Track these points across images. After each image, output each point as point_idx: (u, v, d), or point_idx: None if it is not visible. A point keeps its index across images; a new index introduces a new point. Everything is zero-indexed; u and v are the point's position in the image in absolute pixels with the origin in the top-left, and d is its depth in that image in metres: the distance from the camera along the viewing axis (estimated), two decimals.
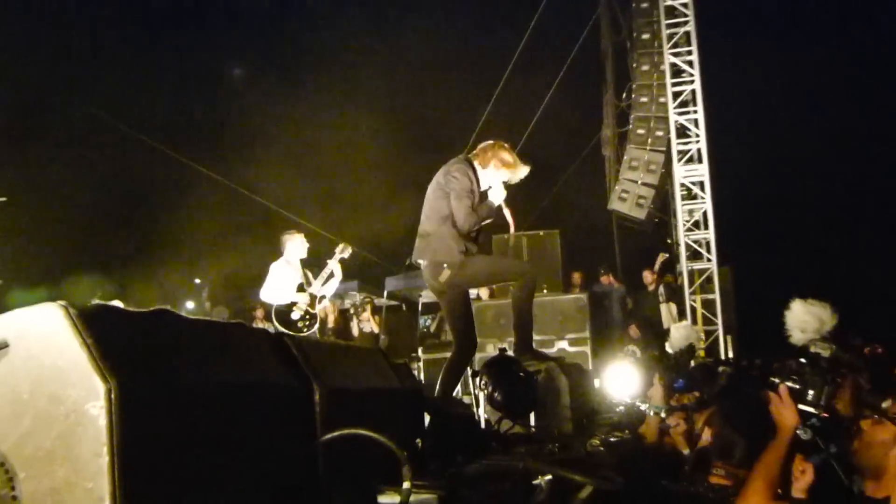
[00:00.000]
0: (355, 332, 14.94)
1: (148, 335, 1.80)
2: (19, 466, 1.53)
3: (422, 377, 11.21)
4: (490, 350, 12.31)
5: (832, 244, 19.70)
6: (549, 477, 2.82)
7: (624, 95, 17.80)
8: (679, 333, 12.94)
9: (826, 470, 3.38)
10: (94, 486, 1.48)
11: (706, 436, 4.56)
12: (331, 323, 14.95)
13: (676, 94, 15.74)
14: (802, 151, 19.75)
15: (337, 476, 2.31)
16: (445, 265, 6.02)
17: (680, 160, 15.61)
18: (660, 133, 16.17)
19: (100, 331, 1.59)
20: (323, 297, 9.64)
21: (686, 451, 5.24)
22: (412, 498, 2.22)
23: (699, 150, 15.53)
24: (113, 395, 1.51)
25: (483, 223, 6.20)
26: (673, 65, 15.80)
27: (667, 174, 16.09)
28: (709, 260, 15.29)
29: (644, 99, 16.57)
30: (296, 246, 9.66)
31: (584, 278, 14.60)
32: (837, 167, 20.26)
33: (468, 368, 6.83)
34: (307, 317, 9.36)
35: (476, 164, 6.16)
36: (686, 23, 15.82)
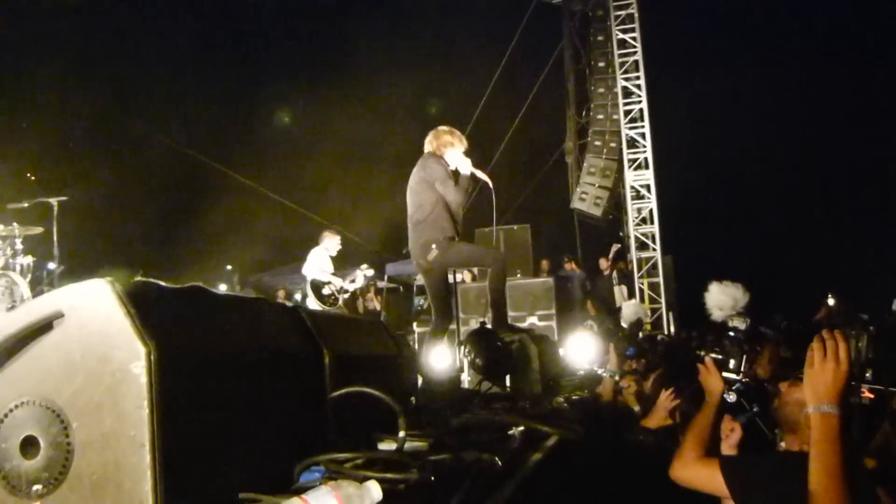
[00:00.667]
0: (361, 309, 14.90)
1: (182, 306, 1.77)
2: (73, 417, 1.50)
3: (416, 346, 11.23)
4: (473, 324, 12.32)
5: (756, 235, 19.87)
6: (521, 428, 2.79)
7: (584, 113, 17.80)
8: (629, 310, 12.99)
9: (752, 427, 3.38)
10: (136, 433, 1.45)
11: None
12: (341, 303, 14.93)
13: (627, 112, 15.80)
14: (733, 159, 19.90)
15: (343, 427, 2.28)
16: (434, 245, 6.00)
17: (630, 167, 15.66)
18: (613, 144, 16.22)
19: (140, 302, 1.56)
20: (346, 290, 10.03)
21: (636, 408, 5.23)
22: (407, 445, 2.19)
23: (646, 159, 15.60)
24: (152, 357, 1.48)
25: (470, 196, 6.18)
26: (624, 87, 15.85)
27: (619, 179, 16.14)
28: (654, 250, 15.36)
29: (600, 116, 16.60)
30: (333, 243, 10.18)
31: (551, 265, 14.60)
32: (759, 174, 20.47)
33: (454, 338, 6.84)
34: (334, 296, 9.77)
35: (435, 155, 6.15)
36: (635, 52, 15.87)
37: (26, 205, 8.06)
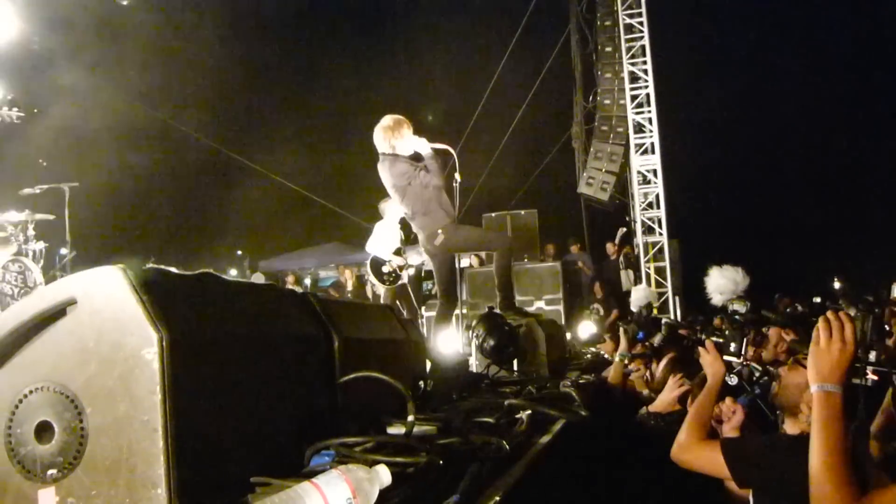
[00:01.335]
0: (370, 294, 14.92)
1: (193, 293, 1.77)
2: (87, 402, 1.51)
3: (425, 331, 11.23)
4: (480, 308, 12.34)
5: (762, 219, 19.79)
6: (528, 412, 2.79)
7: (590, 98, 17.70)
8: (639, 294, 12.98)
9: (753, 409, 3.39)
10: (149, 418, 1.46)
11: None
12: (350, 287, 14.94)
13: (634, 97, 15.71)
14: (739, 143, 19.81)
15: (353, 411, 2.29)
16: (440, 231, 6.02)
17: (637, 152, 15.59)
18: (620, 129, 16.14)
19: (152, 289, 1.56)
20: (411, 265, 9.73)
21: (644, 392, 5.23)
22: (416, 429, 2.20)
23: (653, 144, 15.53)
24: (164, 343, 1.48)
25: (438, 165, 6.15)
26: (631, 72, 15.75)
27: (626, 163, 16.07)
28: (660, 234, 15.31)
29: (607, 101, 16.51)
30: (393, 211, 9.60)
31: (558, 250, 14.60)
32: (765, 158, 20.38)
33: (462, 323, 6.84)
34: (393, 274, 9.51)
35: (391, 154, 6.13)
36: (641, 37, 15.76)
37: (38, 191, 8.08)
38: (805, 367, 2.87)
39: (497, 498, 1.64)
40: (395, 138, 6.08)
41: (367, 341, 2.63)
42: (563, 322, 11.43)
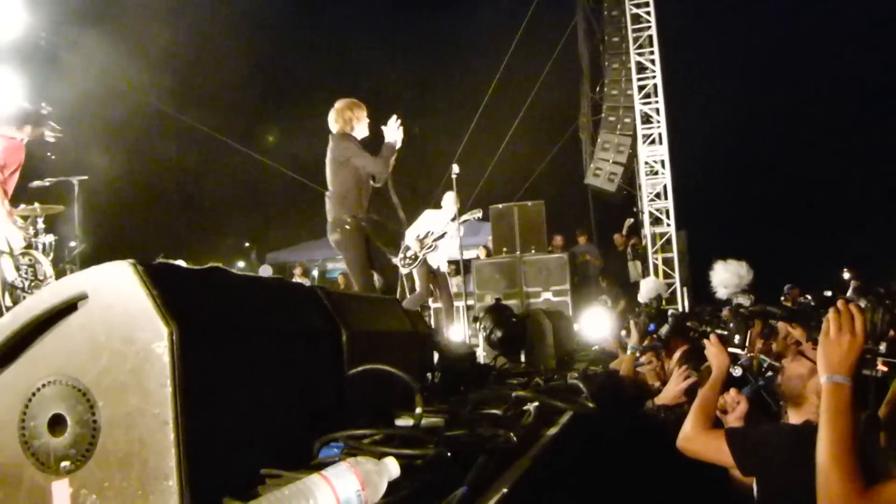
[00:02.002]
0: (377, 284, 14.95)
1: (203, 287, 1.78)
2: (99, 396, 1.52)
3: (432, 323, 11.26)
4: (488, 300, 12.35)
5: (770, 210, 19.73)
6: (536, 403, 2.80)
7: (598, 89, 17.66)
8: (648, 286, 12.97)
9: (758, 400, 3.41)
10: (160, 411, 1.47)
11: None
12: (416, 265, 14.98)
13: (641, 87, 15.67)
14: (747, 134, 19.72)
15: (361, 403, 2.30)
16: (339, 229, 6.03)
17: (644, 142, 15.55)
18: (627, 120, 16.10)
19: (162, 283, 1.57)
20: (433, 248, 9.66)
21: (656, 384, 5.23)
22: (423, 420, 2.21)
23: (660, 134, 15.49)
24: (174, 337, 1.49)
25: (391, 160, 6.19)
26: (638, 62, 15.70)
27: (633, 154, 16.04)
28: (668, 225, 15.29)
29: (614, 91, 16.46)
30: (448, 203, 9.69)
31: (565, 241, 14.57)
32: (773, 149, 20.30)
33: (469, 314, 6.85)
34: (408, 258, 9.44)
35: (346, 132, 6.20)
36: (648, 27, 15.70)
37: (48, 184, 8.12)
38: (807, 357, 2.89)
39: (504, 490, 1.65)
40: (352, 121, 6.17)
41: (375, 334, 2.64)
42: (570, 313, 11.43)
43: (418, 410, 2.18)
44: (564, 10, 17.97)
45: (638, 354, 5.61)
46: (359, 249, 6.14)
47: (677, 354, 4.60)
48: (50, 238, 7.58)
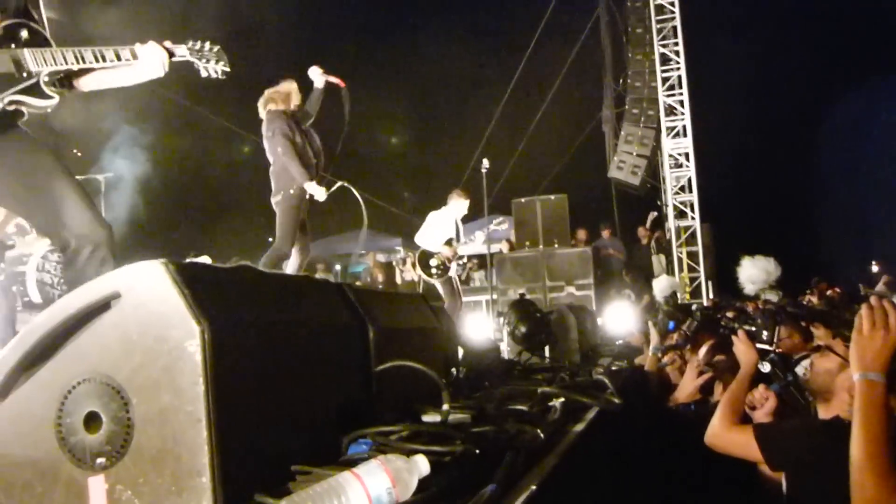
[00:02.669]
0: (399, 281, 15.01)
1: (232, 285, 1.81)
2: (132, 394, 1.55)
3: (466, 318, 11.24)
4: (511, 294, 12.35)
5: (797, 203, 19.50)
6: (561, 399, 2.81)
7: (620, 81, 17.53)
8: (662, 284, 12.90)
9: (786, 395, 3.39)
10: (193, 409, 1.50)
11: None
12: (380, 277, 15.03)
13: (665, 79, 15.53)
14: (773, 125, 19.49)
15: (388, 399, 2.32)
16: (280, 195, 6.42)
17: (668, 135, 15.43)
18: (651, 112, 15.98)
19: (193, 282, 1.59)
20: (462, 256, 9.62)
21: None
22: (450, 417, 2.22)
23: (684, 126, 15.35)
24: (206, 335, 1.52)
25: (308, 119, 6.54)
26: (662, 54, 15.57)
27: (657, 147, 15.91)
28: (693, 218, 15.16)
29: (638, 83, 16.33)
30: (458, 205, 9.54)
31: (588, 235, 14.52)
32: (799, 141, 20.05)
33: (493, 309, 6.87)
34: (441, 267, 9.38)
35: (279, 111, 6.48)
36: (673, 18, 15.55)
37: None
38: (835, 353, 2.87)
39: (533, 487, 1.66)
40: (279, 100, 6.52)
41: (401, 330, 2.66)
42: (594, 308, 11.40)
43: (445, 407, 2.20)
44: (587, 2, 17.86)
45: (660, 355, 5.59)
46: (292, 217, 6.49)
47: (703, 350, 4.57)
48: None
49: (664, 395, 4.59)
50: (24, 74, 2.35)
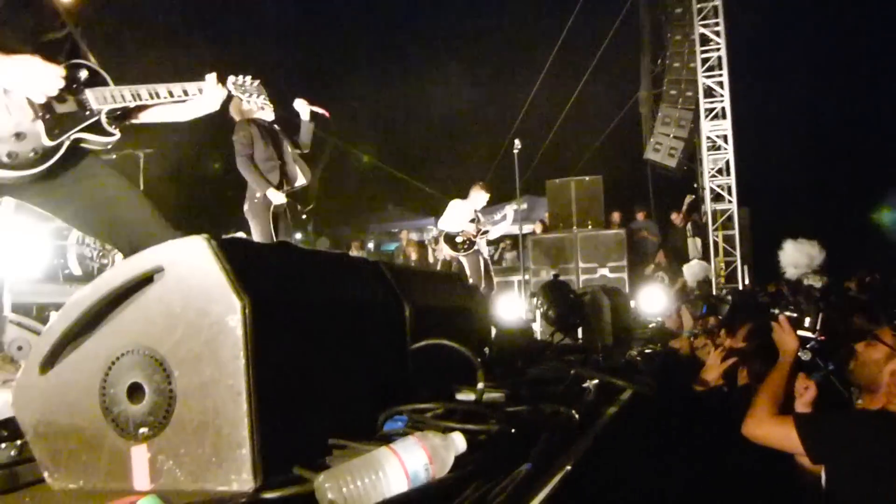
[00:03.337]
0: (431, 259, 15.04)
1: (273, 262, 1.82)
2: (174, 366, 1.57)
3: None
4: (544, 275, 12.31)
5: (837, 187, 19.10)
6: (595, 381, 2.79)
7: (658, 62, 17.25)
8: (693, 269, 12.77)
9: (827, 385, 3.32)
10: (233, 382, 1.52)
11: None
12: (413, 255, 15.07)
13: (704, 60, 15.24)
14: (814, 109, 19.06)
15: (423, 377, 2.33)
16: (248, 204, 6.11)
17: (707, 117, 15.16)
18: (689, 94, 15.70)
19: (235, 258, 1.61)
20: (486, 231, 9.77)
21: None
22: (484, 396, 2.23)
23: (723, 108, 15.07)
24: (247, 310, 1.53)
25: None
26: (702, 34, 15.26)
27: (695, 129, 15.66)
28: (730, 202, 14.92)
29: (676, 64, 16.04)
30: (479, 197, 9.78)
31: (623, 217, 14.39)
32: (840, 124, 19.59)
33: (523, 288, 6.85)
34: (467, 242, 9.58)
35: (241, 120, 6.36)
36: None
37: (114, 157, 8.34)
38: (883, 342, 2.80)
39: (568, 467, 1.65)
40: (240, 111, 6.41)
41: (436, 308, 2.66)
42: (627, 290, 11.32)
43: (480, 386, 2.20)
44: None
45: (692, 339, 5.54)
46: (264, 222, 6.19)
47: (741, 333, 4.51)
48: None
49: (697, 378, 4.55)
50: (87, 113, 2.42)
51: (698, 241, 14.44)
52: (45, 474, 1.66)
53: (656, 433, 3.14)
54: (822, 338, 3.34)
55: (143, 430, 1.58)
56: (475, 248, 9.65)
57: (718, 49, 15.13)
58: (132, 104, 2.59)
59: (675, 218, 14.83)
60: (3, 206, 4.34)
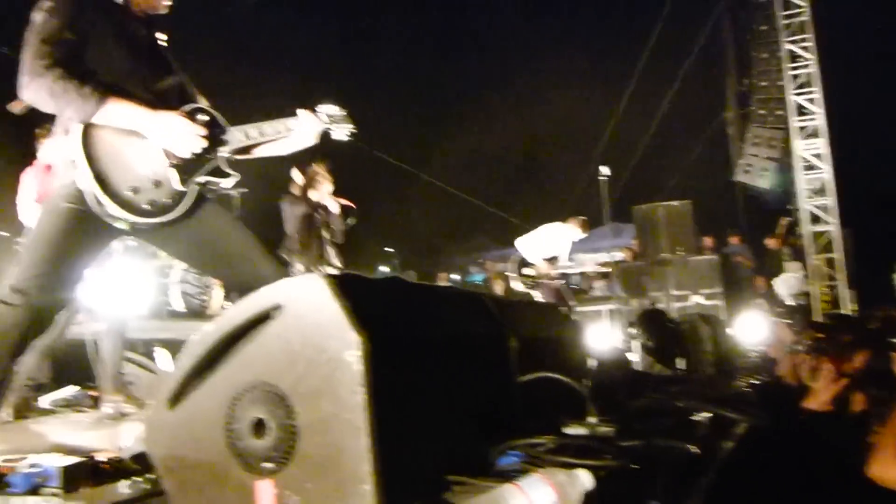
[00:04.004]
0: (502, 290, 14.93)
1: (385, 296, 1.85)
2: (296, 402, 1.60)
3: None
4: (634, 304, 12.06)
5: None
6: (707, 414, 2.70)
7: (744, 80, 16.83)
8: (789, 283, 12.24)
9: None
10: (352, 417, 1.53)
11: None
12: (498, 287, 15.04)
13: (794, 77, 14.77)
14: None
15: (529, 410, 2.30)
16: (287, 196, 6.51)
17: (799, 135, 14.65)
18: (779, 112, 15.21)
19: (351, 294, 1.64)
20: (560, 276, 9.56)
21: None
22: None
23: (817, 126, 14.53)
24: (364, 346, 1.55)
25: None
26: (790, 51, 14.81)
27: (786, 148, 15.16)
28: (829, 223, 14.31)
29: (764, 83, 15.59)
30: (574, 232, 9.58)
31: (715, 242, 13.99)
32: None
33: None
34: (533, 280, 9.43)
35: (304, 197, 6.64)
36: (801, 13, 14.78)
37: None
38: None
39: None
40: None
41: (539, 339, 2.64)
42: (724, 317, 10.97)
43: (592, 419, 2.16)
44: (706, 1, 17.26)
45: (793, 354, 5.29)
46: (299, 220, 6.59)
47: (857, 361, 4.27)
48: None
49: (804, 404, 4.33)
50: (210, 156, 2.53)
51: (797, 264, 13.88)
52: None
53: (776, 468, 3.00)
54: None
55: (267, 464, 1.61)
56: (535, 290, 9.43)
57: (808, 65, 14.65)
58: (242, 145, 2.68)
59: (771, 242, 14.30)
60: (115, 248, 4.55)
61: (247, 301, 1.74)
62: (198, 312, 6.91)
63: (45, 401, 4.97)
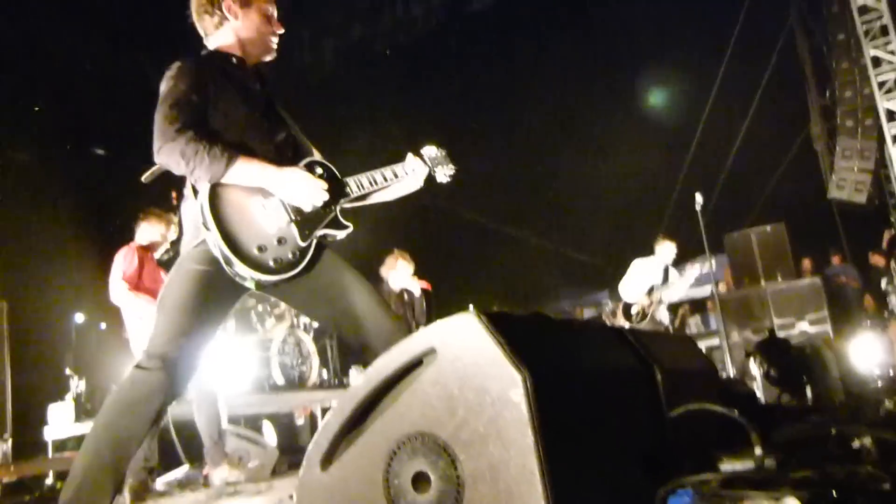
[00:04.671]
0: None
1: (534, 332, 1.80)
2: (459, 450, 1.55)
3: None
4: (735, 337, 11.65)
5: None
6: (867, 439, 2.53)
7: (827, 93, 16.37)
8: None
9: None
10: (524, 461, 1.47)
11: None
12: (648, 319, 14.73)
13: (881, 83, 14.27)
14: None
15: (682, 445, 2.20)
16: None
17: (894, 143, 14.08)
18: (869, 122, 14.70)
19: (505, 331, 1.59)
20: (661, 301, 9.34)
21: None
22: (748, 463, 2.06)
23: None
24: (528, 383, 1.50)
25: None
26: (874, 56, 14.35)
27: (881, 158, 14.58)
28: None
29: (848, 93, 15.12)
30: (665, 250, 9.24)
31: (815, 263, 13.47)
32: None
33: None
34: (640, 314, 9.23)
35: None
36: (880, 16, 14.35)
37: None
38: None
39: None
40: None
41: (683, 372, 2.53)
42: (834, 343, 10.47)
43: (758, 451, 2.03)
44: (777, 17, 16.97)
45: None
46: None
47: None
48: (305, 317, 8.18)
49: None
50: (328, 209, 2.57)
51: None
52: None
53: None
54: None
55: None
56: (652, 318, 9.17)
57: (895, 67, 14.16)
58: (359, 194, 2.71)
59: (875, 258, 13.68)
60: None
61: (396, 349, 1.71)
62: (297, 384, 7.00)
63: (160, 483, 5.06)
